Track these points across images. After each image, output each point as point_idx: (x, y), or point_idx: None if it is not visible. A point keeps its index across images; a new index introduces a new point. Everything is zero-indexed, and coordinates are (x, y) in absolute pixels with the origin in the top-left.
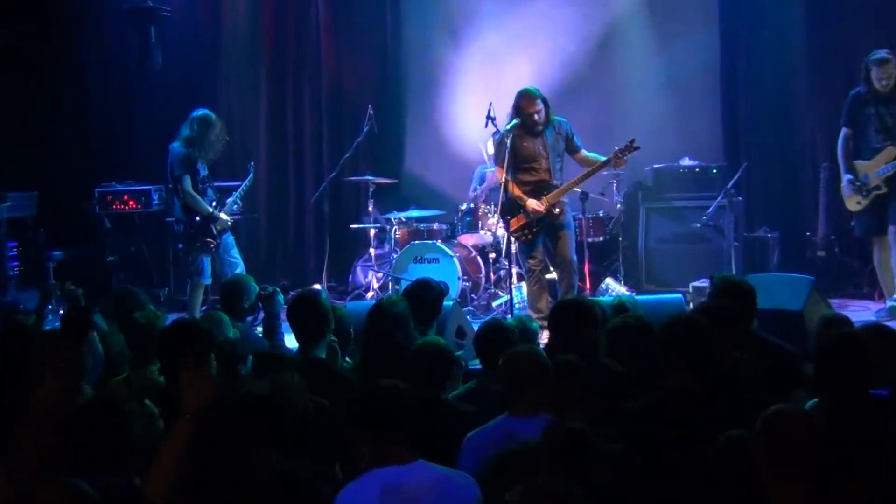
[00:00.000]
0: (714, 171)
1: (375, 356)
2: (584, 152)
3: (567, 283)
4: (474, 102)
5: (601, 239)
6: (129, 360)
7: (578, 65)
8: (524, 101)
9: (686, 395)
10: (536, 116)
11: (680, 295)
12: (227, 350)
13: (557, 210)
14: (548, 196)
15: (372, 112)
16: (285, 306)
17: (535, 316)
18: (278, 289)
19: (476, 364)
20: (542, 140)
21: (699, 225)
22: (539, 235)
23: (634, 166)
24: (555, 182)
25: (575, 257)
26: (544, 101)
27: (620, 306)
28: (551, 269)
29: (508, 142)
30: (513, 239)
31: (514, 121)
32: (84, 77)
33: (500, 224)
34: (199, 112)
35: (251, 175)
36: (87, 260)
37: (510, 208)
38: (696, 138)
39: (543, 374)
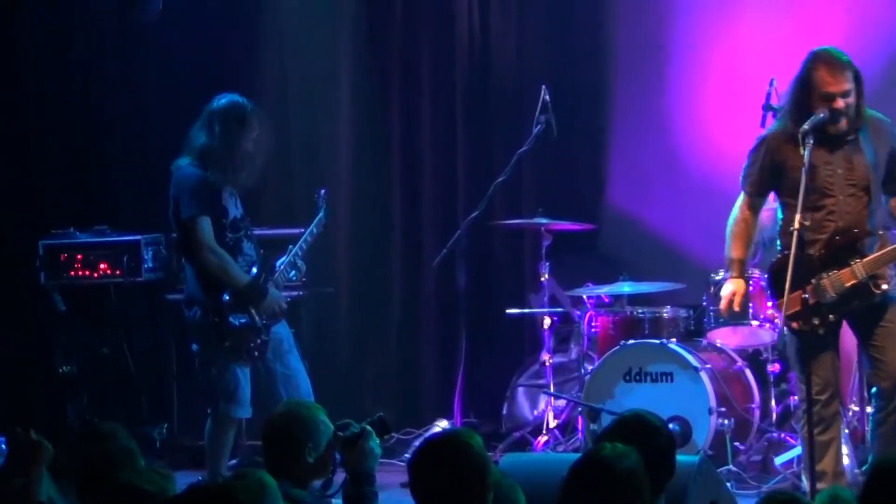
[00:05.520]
0: None
1: None
2: None
3: None
4: (739, 87)
5: None
6: None
7: None
8: (821, 70)
9: None
10: (843, 104)
11: None
12: None
13: (881, 287)
14: (865, 261)
15: (548, 98)
16: (400, 463)
17: (818, 486)
18: (368, 427)
19: None
20: (848, 155)
21: None
22: (835, 329)
23: None
24: (875, 231)
25: None
26: (856, 78)
27: None
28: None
29: (806, 154)
30: (786, 330)
31: (822, 115)
32: (24, 43)
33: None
34: (224, 100)
35: (321, 215)
36: (26, 369)
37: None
38: None
39: None
